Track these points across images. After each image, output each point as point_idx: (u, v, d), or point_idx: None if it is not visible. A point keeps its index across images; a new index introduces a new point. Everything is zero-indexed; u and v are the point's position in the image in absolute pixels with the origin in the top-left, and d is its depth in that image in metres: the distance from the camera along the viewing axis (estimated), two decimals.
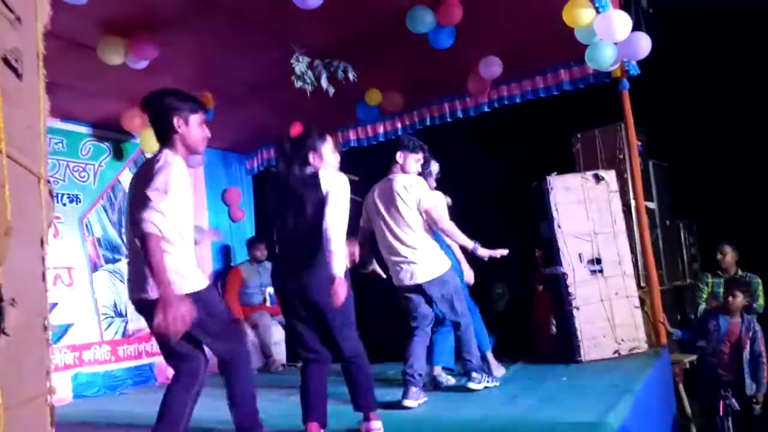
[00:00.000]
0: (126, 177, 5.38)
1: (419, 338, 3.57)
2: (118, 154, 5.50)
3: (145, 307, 2.42)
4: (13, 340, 0.84)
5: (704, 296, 4.93)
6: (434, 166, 4.18)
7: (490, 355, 4.11)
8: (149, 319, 2.41)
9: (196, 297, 2.38)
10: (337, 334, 2.77)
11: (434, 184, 4.16)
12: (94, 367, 5.06)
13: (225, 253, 6.44)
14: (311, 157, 2.87)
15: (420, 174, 3.74)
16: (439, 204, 3.82)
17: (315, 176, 2.80)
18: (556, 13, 3.96)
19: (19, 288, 0.87)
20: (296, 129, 4.81)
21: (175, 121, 2.47)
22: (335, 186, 2.75)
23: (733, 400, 4.14)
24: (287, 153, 2.89)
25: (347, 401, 2.93)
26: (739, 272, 4.88)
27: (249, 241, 6.15)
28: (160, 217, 2.27)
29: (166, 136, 2.50)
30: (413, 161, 3.69)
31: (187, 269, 2.45)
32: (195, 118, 2.51)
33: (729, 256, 4.86)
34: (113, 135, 5.39)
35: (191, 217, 2.54)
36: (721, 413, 4.16)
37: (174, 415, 2.43)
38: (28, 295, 0.93)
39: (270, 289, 5.77)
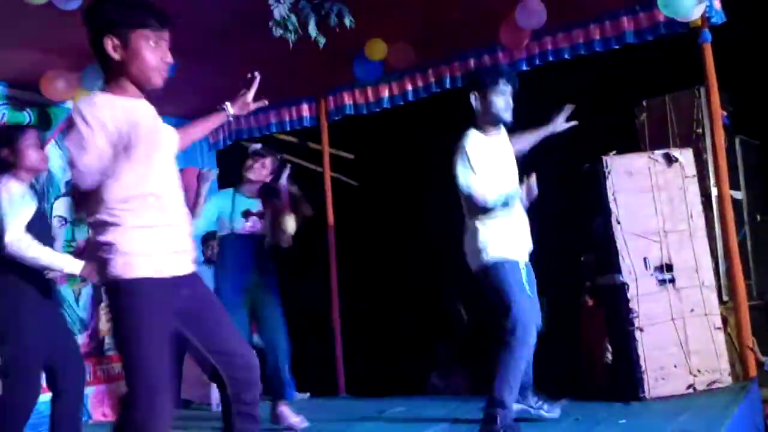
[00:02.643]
0: (52, 152, 5.30)
1: None
2: (44, 122, 5.46)
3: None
4: None
5: None
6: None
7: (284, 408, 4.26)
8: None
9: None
10: None
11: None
12: None
13: None
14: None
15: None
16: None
17: None
18: None
19: None
20: None
21: (106, 42, 2.10)
22: None
23: None
24: None
25: None
26: None
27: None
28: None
29: (104, 68, 2.20)
30: None
31: (149, 247, 2.18)
32: (139, 36, 2.12)
33: None
34: (37, 97, 5.34)
35: (165, 174, 2.30)
36: None
37: None
38: None
39: None
